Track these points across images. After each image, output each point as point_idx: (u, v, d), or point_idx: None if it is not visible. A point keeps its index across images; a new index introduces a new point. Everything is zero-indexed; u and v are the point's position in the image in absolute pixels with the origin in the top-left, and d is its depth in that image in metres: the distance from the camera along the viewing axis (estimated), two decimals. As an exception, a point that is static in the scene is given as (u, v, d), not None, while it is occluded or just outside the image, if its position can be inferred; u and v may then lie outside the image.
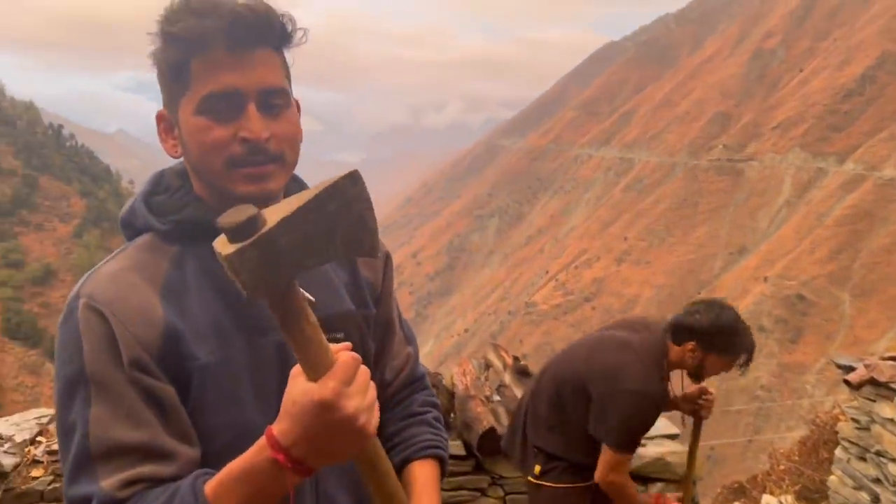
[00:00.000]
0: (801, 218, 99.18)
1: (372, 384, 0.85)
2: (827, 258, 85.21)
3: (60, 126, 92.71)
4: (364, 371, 0.83)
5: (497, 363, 3.99)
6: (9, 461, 3.23)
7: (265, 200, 0.94)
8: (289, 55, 1.03)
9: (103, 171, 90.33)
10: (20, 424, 3.60)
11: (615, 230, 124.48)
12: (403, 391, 1.28)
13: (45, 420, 3.67)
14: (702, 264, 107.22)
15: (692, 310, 2.46)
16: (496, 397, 3.73)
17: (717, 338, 2.39)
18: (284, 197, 0.99)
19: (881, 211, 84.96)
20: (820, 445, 4.51)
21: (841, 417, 4.31)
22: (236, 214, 0.74)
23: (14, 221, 69.97)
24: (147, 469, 0.90)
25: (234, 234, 0.74)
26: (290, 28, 0.99)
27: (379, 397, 1.08)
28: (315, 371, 0.79)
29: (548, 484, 2.59)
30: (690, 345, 2.42)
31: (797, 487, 4.39)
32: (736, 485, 5.34)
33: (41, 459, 3.28)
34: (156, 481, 0.90)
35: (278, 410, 0.85)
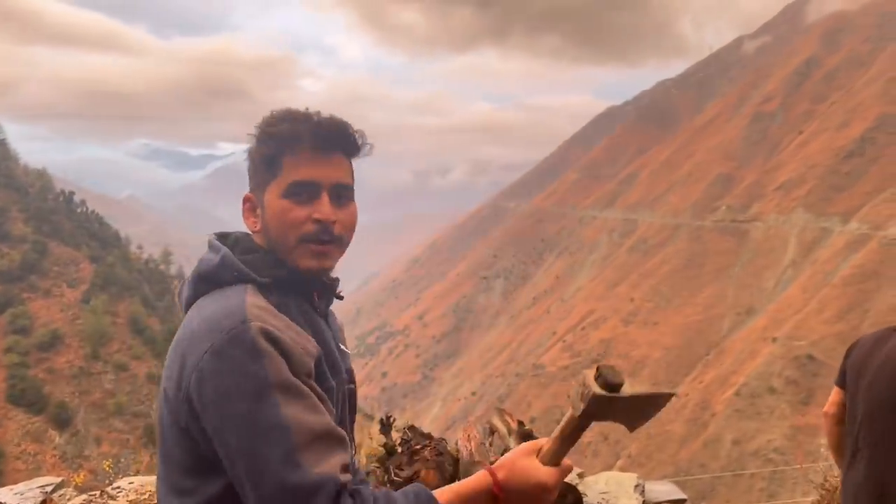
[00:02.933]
0: (807, 278, 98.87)
1: None
2: (836, 318, 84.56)
3: (72, 192, 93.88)
4: None
5: (502, 428, 3.98)
6: (12, 531, 3.21)
7: (322, 274, 1.30)
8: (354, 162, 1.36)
9: (112, 236, 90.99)
10: (24, 493, 3.58)
11: (621, 291, 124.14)
12: None
13: (49, 489, 3.65)
14: (710, 325, 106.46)
15: None
16: (501, 463, 3.70)
17: None
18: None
19: (888, 270, 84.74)
20: (831, 511, 4.44)
21: (851, 482, 4.24)
22: (617, 376, 1.13)
23: (23, 287, 70.18)
24: (345, 455, 1.10)
25: (608, 385, 1.12)
26: (360, 142, 1.32)
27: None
28: (553, 461, 1.12)
29: None
30: None
31: (810, 555, 4.30)
32: (748, 553, 5.22)
33: (45, 529, 3.26)
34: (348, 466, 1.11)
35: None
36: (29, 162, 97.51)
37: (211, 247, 1.31)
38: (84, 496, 3.46)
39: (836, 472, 5.15)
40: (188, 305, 1.27)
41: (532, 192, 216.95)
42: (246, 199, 1.33)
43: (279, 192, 1.26)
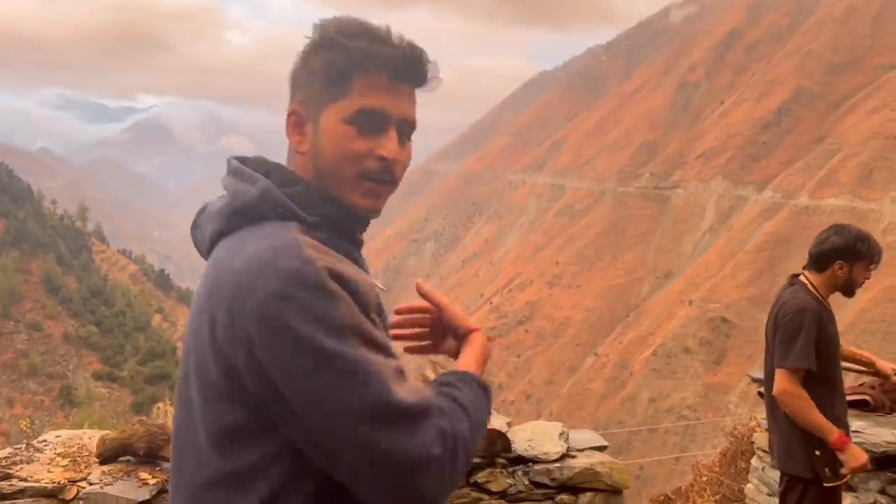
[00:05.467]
0: (723, 244, 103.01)
1: None
2: (748, 282, 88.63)
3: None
4: None
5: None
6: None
7: (374, 214, 1.14)
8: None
9: (24, 190, 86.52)
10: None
11: (547, 254, 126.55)
12: None
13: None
14: (630, 288, 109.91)
15: (824, 238, 2.96)
16: (433, 413, 3.82)
17: (856, 247, 2.88)
18: None
19: (797, 237, 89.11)
20: (738, 456, 4.76)
21: (757, 429, 4.57)
22: None
23: (-76, 242, 66.30)
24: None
25: None
26: (431, 74, 1.14)
27: None
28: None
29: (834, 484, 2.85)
30: (837, 264, 2.89)
31: (717, 497, 4.62)
32: (662, 497, 5.55)
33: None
34: None
35: None
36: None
37: (240, 175, 1.11)
38: (9, 449, 3.39)
39: (745, 421, 5.50)
40: (215, 241, 1.11)
41: (463, 156, 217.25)
42: (293, 112, 1.12)
43: (344, 116, 1.07)
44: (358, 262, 1.12)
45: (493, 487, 3.43)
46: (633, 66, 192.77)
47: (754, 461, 4.29)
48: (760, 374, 4.34)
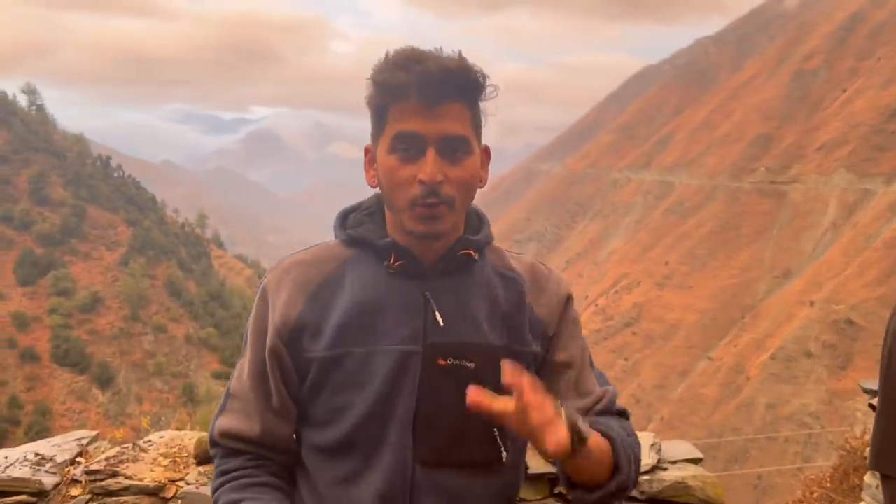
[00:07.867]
0: (848, 240, 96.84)
1: None
2: (877, 281, 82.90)
3: (108, 157, 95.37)
4: None
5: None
6: (49, 480, 3.41)
7: (434, 238, 1.20)
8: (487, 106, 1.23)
9: (149, 200, 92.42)
10: (61, 445, 3.78)
11: (656, 254, 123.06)
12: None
13: (84, 441, 3.84)
14: (745, 288, 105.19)
15: None
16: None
17: None
18: (465, 228, 1.28)
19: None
20: (850, 472, 4.46)
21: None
22: None
23: (64, 250, 72.02)
24: (234, 420, 1.24)
25: None
26: (480, 83, 1.17)
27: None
28: None
29: None
30: None
31: (828, 515, 4.34)
32: (769, 512, 5.27)
33: (80, 479, 3.44)
34: (246, 442, 1.23)
35: (376, 418, 1.18)
36: (66, 127, 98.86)
37: None
38: (118, 448, 3.62)
39: (858, 433, 5.14)
40: None
41: (565, 154, 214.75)
42: (366, 151, 1.27)
43: (386, 147, 1.18)
44: (371, 283, 1.22)
45: (578, 499, 3.35)
46: (745, 56, 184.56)
47: (867, 478, 4.00)
48: (873, 385, 4.05)
